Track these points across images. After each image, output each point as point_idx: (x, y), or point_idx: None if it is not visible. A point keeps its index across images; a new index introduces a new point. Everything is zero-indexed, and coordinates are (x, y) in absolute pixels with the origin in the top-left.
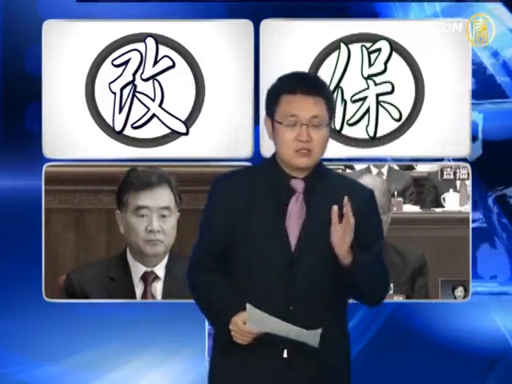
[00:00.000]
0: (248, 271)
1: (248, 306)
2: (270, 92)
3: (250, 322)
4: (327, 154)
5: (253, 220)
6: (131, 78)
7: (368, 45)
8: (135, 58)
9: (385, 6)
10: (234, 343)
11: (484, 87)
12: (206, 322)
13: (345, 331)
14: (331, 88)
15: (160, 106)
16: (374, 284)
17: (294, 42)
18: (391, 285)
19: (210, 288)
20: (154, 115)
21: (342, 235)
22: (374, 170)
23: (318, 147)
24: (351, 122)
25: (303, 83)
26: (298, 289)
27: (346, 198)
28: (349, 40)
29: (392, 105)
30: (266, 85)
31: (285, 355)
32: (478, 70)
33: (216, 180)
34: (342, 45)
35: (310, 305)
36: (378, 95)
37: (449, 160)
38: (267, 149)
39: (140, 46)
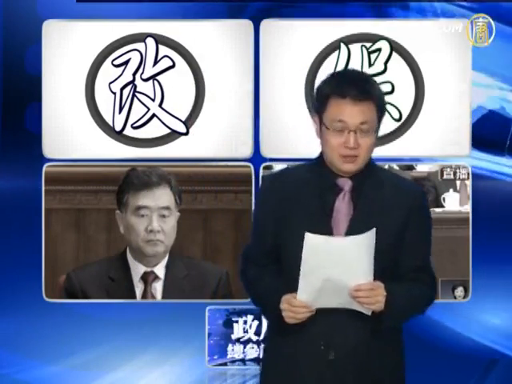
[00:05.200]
0: (297, 271)
1: (307, 234)
2: (320, 91)
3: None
4: None
5: (300, 219)
6: (131, 78)
7: (368, 45)
8: (135, 58)
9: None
10: (284, 340)
11: None
12: (206, 322)
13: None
14: None
15: (160, 106)
16: (416, 308)
17: (294, 42)
18: None
19: (261, 277)
20: (154, 115)
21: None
22: None
23: (364, 153)
24: None
25: (354, 87)
26: None
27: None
28: (349, 40)
29: (392, 105)
30: (266, 85)
31: (331, 357)
32: None
33: (265, 178)
34: (342, 45)
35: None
36: None
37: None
38: (267, 149)
39: (140, 45)
